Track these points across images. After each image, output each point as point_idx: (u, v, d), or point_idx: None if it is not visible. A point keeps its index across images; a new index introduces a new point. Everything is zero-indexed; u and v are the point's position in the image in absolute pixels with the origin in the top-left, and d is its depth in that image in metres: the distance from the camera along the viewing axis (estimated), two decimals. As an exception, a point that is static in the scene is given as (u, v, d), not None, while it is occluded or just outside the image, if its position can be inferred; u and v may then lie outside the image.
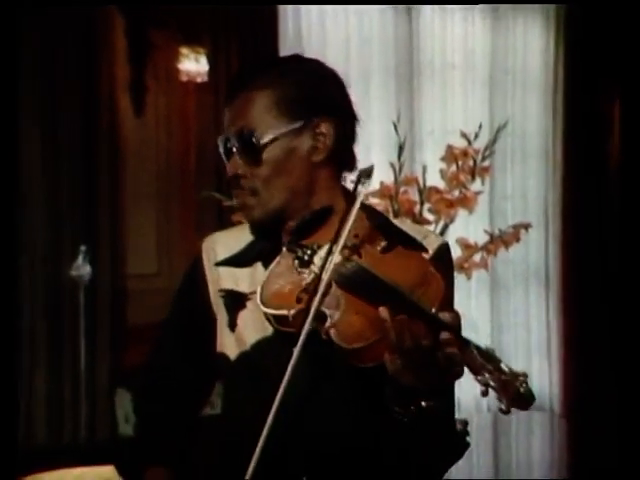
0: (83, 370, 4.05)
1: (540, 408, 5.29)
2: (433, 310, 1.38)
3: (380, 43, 5.29)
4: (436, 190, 3.24)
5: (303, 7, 5.03)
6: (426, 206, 3.25)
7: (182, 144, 4.88)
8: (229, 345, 1.66)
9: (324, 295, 1.47)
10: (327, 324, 1.45)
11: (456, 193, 3.28)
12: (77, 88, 4.42)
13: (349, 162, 1.67)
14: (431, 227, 3.16)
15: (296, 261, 1.56)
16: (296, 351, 1.42)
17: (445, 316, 1.35)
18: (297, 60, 1.71)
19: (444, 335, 1.31)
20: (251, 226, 1.69)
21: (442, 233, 3.18)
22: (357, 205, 1.50)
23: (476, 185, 3.34)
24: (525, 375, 1.27)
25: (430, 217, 3.25)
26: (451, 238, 3.23)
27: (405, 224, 1.76)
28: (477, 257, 3.36)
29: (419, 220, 3.18)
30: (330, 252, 1.50)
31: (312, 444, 1.58)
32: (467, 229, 3.55)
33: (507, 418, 4.41)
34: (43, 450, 3.86)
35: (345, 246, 1.52)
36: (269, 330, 1.58)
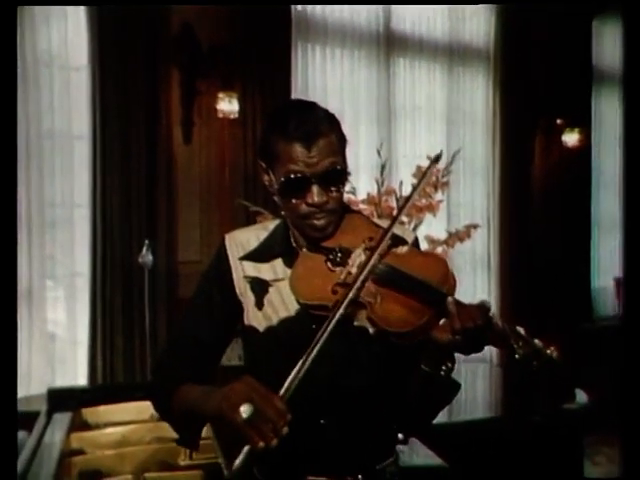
0: (148, 331, 4.06)
1: (483, 360, 5.33)
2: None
3: (366, 91, 5.33)
4: (409, 199, 3.30)
5: (310, 65, 5.07)
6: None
7: (219, 164, 4.86)
8: (257, 320, 1.57)
9: (359, 289, 1.44)
10: (367, 311, 1.44)
11: (424, 201, 3.34)
12: (144, 123, 4.46)
13: None
14: (406, 226, 3.21)
15: (328, 262, 1.51)
16: (330, 326, 1.37)
17: (484, 303, 1.41)
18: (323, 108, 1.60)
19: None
20: (317, 240, 1.55)
21: (414, 231, 3.24)
22: (401, 216, 1.49)
23: (438, 195, 3.41)
24: (551, 348, 1.32)
25: (405, 219, 3.30)
26: (420, 235, 3.31)
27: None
28: (439, 249, 3.41)
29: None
30: (371, 256, 1.46)
31: (338, 393, 1.53)
32: (431, 228, 3.58)
33: (459, 368, 4.44)
34: (121, 387, 3.91)
35: (372, 248, 1.48)
36: (292, 311, 1.53)
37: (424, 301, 1.42)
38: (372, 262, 1.46)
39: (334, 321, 1.39)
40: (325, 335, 1.37)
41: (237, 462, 1.29)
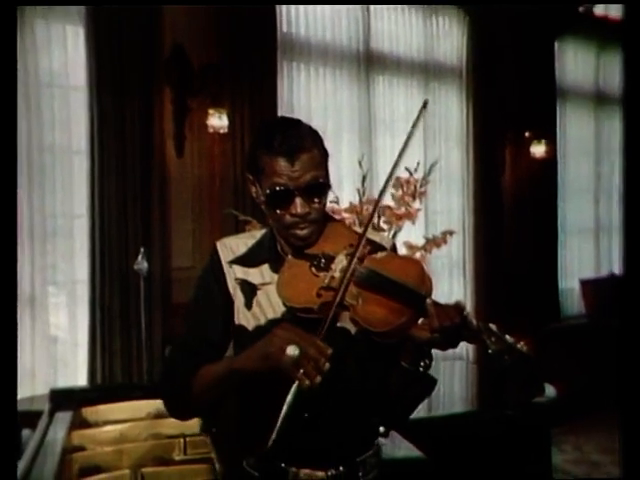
0: (144, 334, 4.04)
1: (459, 357, 5.35)
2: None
3: (348, 107, 5.33)
4: (389, 207, 3.30)
5: (295, 83, 5.08)
6: (382, 219, 3.30)
7: (209, 176, 4.85)
8: (246, 320, 1.58)
9: (345, 291, 1.45)
10: (350, 312, 1.45)
11: (402, 210, 3.34)
12: (140, 138, 4.44)
13: None
14: (385, 233, 3.21)
15: (313, 268, 1.52)
16: (326, 327, 1.40)
17: (459, 303, 1.41)
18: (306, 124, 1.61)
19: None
20: (300, 249, 1.57)
21: (393, 237, 3.24)
22: (369, 225, 1.51)
23: (416, 204, 3.41)
24: (521, 342, 1.33)
25: (385, 227, 3.31)
26: (399, 241, 3.31)
27: (368, 232, 1.68)
28: (417, 254, 3.41)
29: (377, 229, 3.23)
30: (352, 259, 1.47)
31: (321, 390, 1.48)
32: (410, 235, 3.59)
33: (437, 364, 4.44)
34: (119, 387, 3.90)
35: (353, 253, 1.49)
36: (279, 313, 1.55)
37: (403, 302, 1.44)
38: (354, 263, 1.48)
39: (328, 322, 1.41)
40: (323, 333, 1.40)
41: (287, 400, 1.32)
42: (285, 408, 1.32)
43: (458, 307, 1.41)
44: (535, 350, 1.36)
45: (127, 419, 2.78)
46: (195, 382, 1.54)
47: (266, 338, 1.42)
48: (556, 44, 6.64)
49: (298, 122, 1.59)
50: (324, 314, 1.43)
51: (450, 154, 5.91)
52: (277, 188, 1.50)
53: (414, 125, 1.61)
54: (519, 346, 1.33)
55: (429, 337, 1.42)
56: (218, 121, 4.70)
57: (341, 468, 1.57)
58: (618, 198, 7.24)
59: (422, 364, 1.50)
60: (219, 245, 1.65)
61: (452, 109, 5.95)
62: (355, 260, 1.48)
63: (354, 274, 1.48)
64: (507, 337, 1.34)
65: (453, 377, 4.36)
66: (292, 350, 1.32)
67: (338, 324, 1.50)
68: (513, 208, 6.29)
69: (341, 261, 1.51)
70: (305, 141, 1.51)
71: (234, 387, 1.54)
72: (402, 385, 1.54)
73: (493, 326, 1.36)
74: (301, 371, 1.32)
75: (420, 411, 1.65)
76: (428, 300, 1.41)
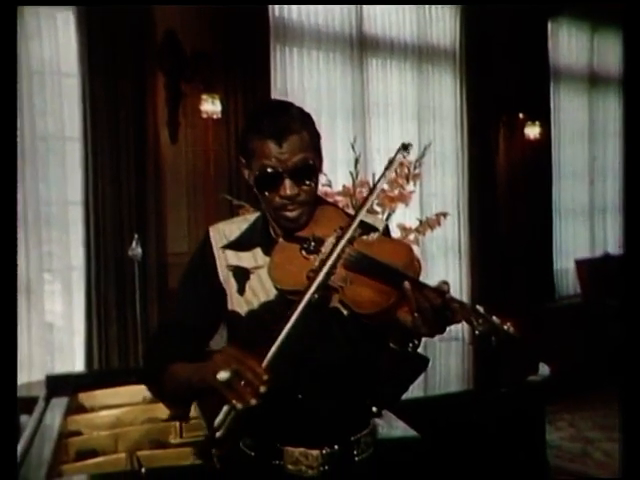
0: (139, 319, 4.03)
1: (455, 338, 5.35)
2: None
3: (341, 90, 5.32)
4: (382, 190, 3.27)
5: (288, 67, 5.06)
6: (375, 201, 3.28)
7: (203, 162, 4.84)
8: (240, 306, 1.59)
9: (330, 274, 1.45)
10: (339, 294, 1.46)
11: (396, 192, 3.32)
12: (133, 124, 4.43)
13: None
14: (379, 216, 3.19)
15: (303, 251, 1.52)
16: (300, 307, 1.39)
17: (441, 286, 1.37)
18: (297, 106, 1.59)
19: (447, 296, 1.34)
20: (291, 231, 1.57)
21: (387, 220, 3.22)
22: (363, 212, 1.49)
23: (410, 186, 3.39)
24: (508, 323, 1.31)
25: (378, 209, 3.28)
26: (393, 223, 3.29)
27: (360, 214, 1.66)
28: (411, 236, 3.40)
29: (370, 211, 3.21)
30: (338, 243, 1.47)
31: (314, 369, 1.55)
32: (404, 217, 3.57)
33: (434, 345, 4.45)
34: (115, 372, 3.90)
35: (341, 236, 1.49)
36: (271, 295, 1.56)
37: (391, 284, 1.43)
38: (339, 248, 1.47)
39: (303, 302, 1.40)
40: (296, 314, 1.38)
41: (217, 420, 1.31)
42: (215, 424, 1.31)
43: (439, 289, 1.39)
44: (529, 330, 1.36)
45: (123, 404, 2.78)
46: (166, 377, 1.54)
47: (208, 362, 1.40)
48: (549, 25, 6.63)
49: (288, 104, 1.59)
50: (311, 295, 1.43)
51: (444, 136, 5.91)
52: (266, 170, 1.50)
53: (390, 163, 1.62)
54: (505, 327, 1.32)
55: (412, 320, 1.40)
56: (212, 106, 4.67)
57: (336, 447, 1.58)
58: (612, 178, 7.25)
59: (411, 345, 1.50)
60: (212, 231, 1.66)
61: (446, 91, 5.93)
62: (342, 243, 1.47)
63: (343, 257, 1.48)
64: (494, 318, 1.33)
65: (449, 357, 4.37)
66: (222, 375, 1.31)
67: (330, 305, 1.51)
68: (507, 189, 6.30)
69: (331, 244, 1.51)
70: (294, 123, 1.51)
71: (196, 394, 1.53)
72: (391, 366, 1.54)
73: (480, 308, 1.35)
74: (233, 393, 1.29)
75: (415, 391, 1.64)
76: (406, 283, 1.39)
